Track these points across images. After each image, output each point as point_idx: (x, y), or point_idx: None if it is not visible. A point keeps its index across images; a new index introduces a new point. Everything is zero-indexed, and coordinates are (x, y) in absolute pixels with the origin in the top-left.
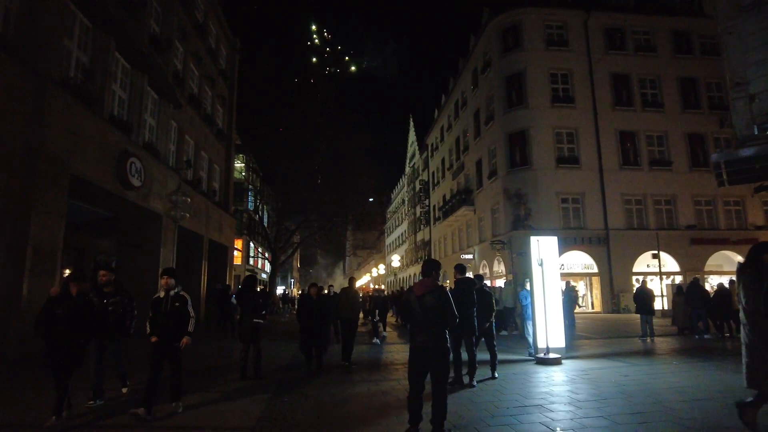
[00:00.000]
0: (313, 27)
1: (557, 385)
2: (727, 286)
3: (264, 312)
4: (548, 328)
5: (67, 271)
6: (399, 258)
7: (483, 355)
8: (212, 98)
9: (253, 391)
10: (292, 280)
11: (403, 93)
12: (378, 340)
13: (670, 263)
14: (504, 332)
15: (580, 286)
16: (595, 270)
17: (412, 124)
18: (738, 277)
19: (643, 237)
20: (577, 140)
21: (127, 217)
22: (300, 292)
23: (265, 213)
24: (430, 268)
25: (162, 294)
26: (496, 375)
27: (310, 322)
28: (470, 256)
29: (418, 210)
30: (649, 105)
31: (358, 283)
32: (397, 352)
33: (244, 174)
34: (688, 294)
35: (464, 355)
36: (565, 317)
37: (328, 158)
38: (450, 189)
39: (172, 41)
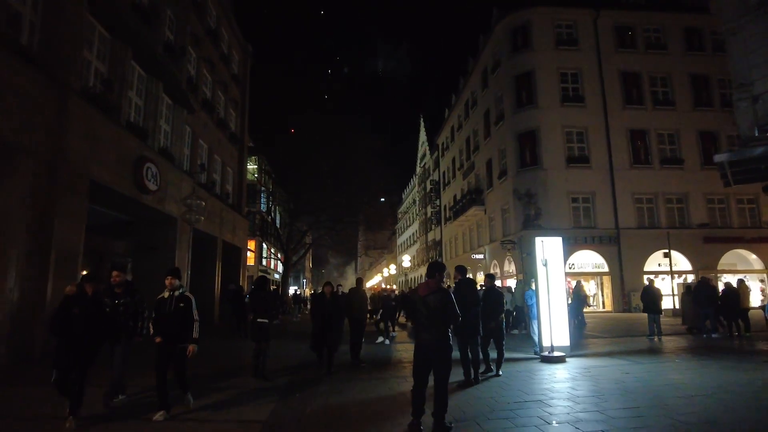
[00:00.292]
0: (324, 30)
1: (558, 382)
2: (735, 285)
3: (274, 312)
4: (553, 327)
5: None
6: (410, 258)
7: (493, 354)
8: (225, 102)
9: (265, 388)
10: (305, 281)
11: (414, 92)
12: (387, 340)
13: (682, 262)
14: (515, 331)
15: (591, 286)
16: (606, 269)
17: (422, 123)
18: None
19: (655, 236)
20: (587, 139)
21: (144, 220)
22: (312, 292)
23: (278, 214)
24: (434, 270)
25: (166, 294)
26: (501, 372)
27: (323, 322)
28: (481, 256)
29: (429, 210)
30: (660, 103)
31: (370, 283)
32: (406, 350)
33: (256, 176)
34: (696, 293)
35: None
36: (574, 316)
37: (338, 159)
38: (461, 189)
39: (186, 48)
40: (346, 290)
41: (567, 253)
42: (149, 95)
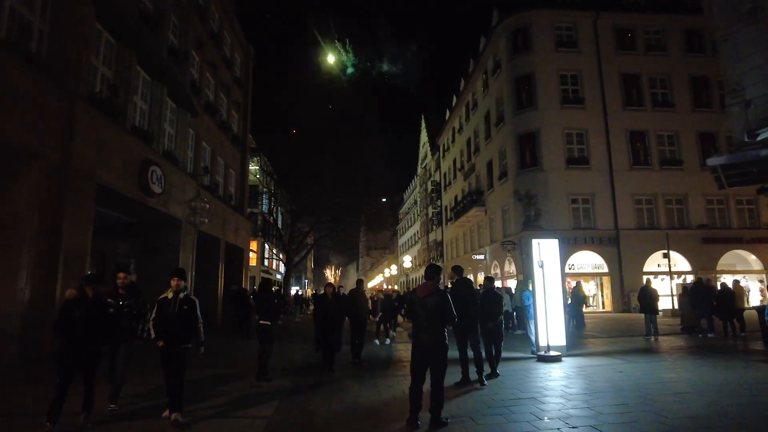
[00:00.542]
0: (325, 29)
1: (553, 381)
2: (731, 285)
3: (277, 314)
4: (549, 327)
5: (86, 275)
6: (411, 259)
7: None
8: (227, 105)
9: (268, 388)
10: (306, 281)
11: (416, 93)
12: (388, 340)
13: (681, 263)
14: (519, 331)
15: (591, 286)
16: (606, 270)
17: (424, 124)
18: None
19: (654, 237)
20: (587, 141)
21: (148, 222)
22: (313, 292)
23: (279, 215)
24: (432, 272)
25: (170, 295)
26: (498, 372)
27: (326, 322)
28: (482, 257)
29: (431, 210)
30: (660, 104)
31: (372, 283)
32: (405, 350)
33: (258, 177)
34: (692, 293)
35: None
36: (573, 316)
37: (339, 160)
38: (461, 190)
39: (189, 52)
40: (347, 291)
41: (567, 254)
42: (154, 99)
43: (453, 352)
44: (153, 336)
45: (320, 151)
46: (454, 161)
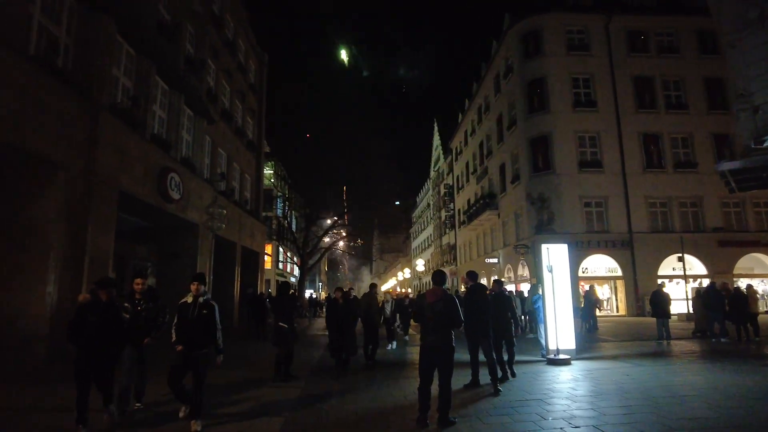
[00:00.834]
0: (339, 33)
1: (560, 383)
2: (744, 289)
3: (293, 317)
4: (558, 330)
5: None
6: (423, 262)
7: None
8: (242, 111)
9: (285, 389)
10: (320, 284)
11: (428, 96)
12: (394, 344)
13: (697, 266)
14: (531, 335)
15: (605, 290)
16: (620, 273)
17: (436, 128)
18: None
19: (669, 240)
20: (599, 144)
21: (167, 228)
22: (327, 295)
23: (294, 219)
24: (439, 278)
25: (190, 299)
26: (515, 373)
27: (338, 326)
28: (495, 260)
29: (443, 214)
30: (673, 107)
31: (385, 287)
32: (416, 353)
33: (273, 181)
34: (705, 298)
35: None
36: (586, 320)
37: (352, 164)
38: (474, 193)
39: (205, 61)
40: (360, 294)
41: (580, 258)
42: (172, 108)
43: (465, 356)
44: (174, 339)
45: (333, 156)
46: (467, 164)
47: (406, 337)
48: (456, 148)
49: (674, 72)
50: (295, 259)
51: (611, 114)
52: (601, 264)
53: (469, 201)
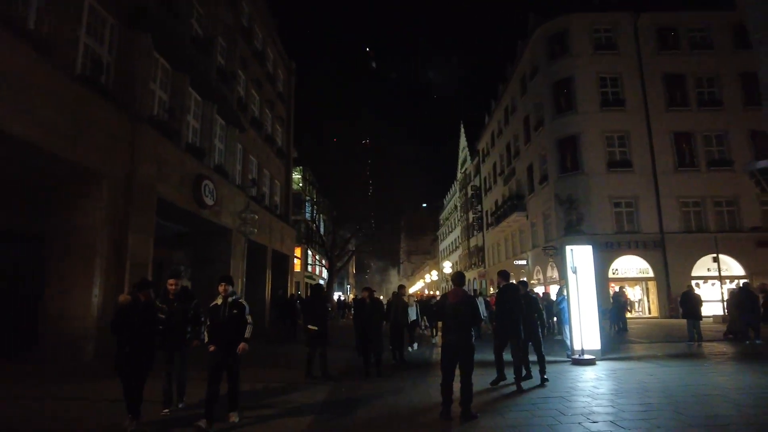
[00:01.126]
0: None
1: (583, 382)
2: None
3: (325, 319)
4: (583, 331)
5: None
6: (451, 264)
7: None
8: (272, 119)
9: (315, 386)
10: (348, 286)
11: (453, 97)
12: (415, 345)
13: (734, 267)
14: (558, 336)
15: (636, 291)
16: (651, 275)
17: (462, 129)
18: None
19: (703, 240)
20: (629, 143)
21: (201, 233)
22: (354, 297)
23: (322, 222)
24: (460, 279)
25: (219, 301)
26: (546, 379)
27: (364, 326)
28: (524, 262)
29: (471, 216)
30: (707, 104)
31: (413, 289)
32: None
33: (301, 185)
34: (738, 299)
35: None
36: (614, 321)
37: (379, 168)
38: (502, 194)
39: (236, 71)
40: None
41: (610, 258)
42: (205, 118)
43: (488, 356)
44: (207, 341)
45: (360, 160)
46: (494, 165)
47: (434, 339)
48: (483, 150)
49: (707, 68)
50: (323, 261)
51: (641, 113)
52: (632, 265)
53: (496, 202)
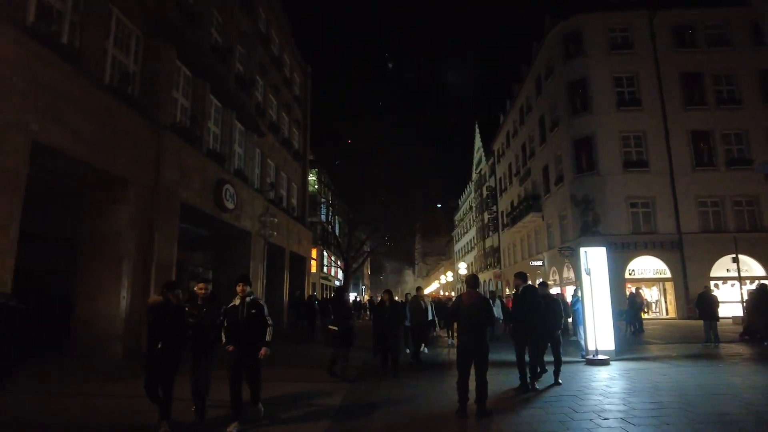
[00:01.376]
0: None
1: (596, 381)
2: None
3: (345, 320)
4: (597, 331)
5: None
6: (466, 265)
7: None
8: (289, 123)
9: (332, 385)
10: (363, 287)
11: (468, 98)
12: (425, 349)
13: (755, 268)
14: (574, 337)
15: (653, 292)
16: (668, 275)
17: (477, 130)
18: None
19: (722, 240)
20: (645, 143)
21: (222, 235)
22: (369, 298)
23: (337, 224)
24: (474, 282)
25: (237, 301)
26: (560, 381)
27: (383, 328)
28: (540, 263)
29: (486, 216)
30: (725, 102)
31: (428, 290)
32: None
33: (316, 187)
34: (756, 300)
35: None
36: (630, 322)
37: (393, 169)
38: (517, 195)
39: (254, 78)
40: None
41: (626, 259)
42: (225, 124)
43: (504, 356)
44: (224, 342)
45: (374, 161)
46: (509, 166)
47: (450, 341)
48: (498, 150)
49: (726, 65)
50: (338, 262)
51: (657, 112)
52: (648, 265)
53: (512, 203)
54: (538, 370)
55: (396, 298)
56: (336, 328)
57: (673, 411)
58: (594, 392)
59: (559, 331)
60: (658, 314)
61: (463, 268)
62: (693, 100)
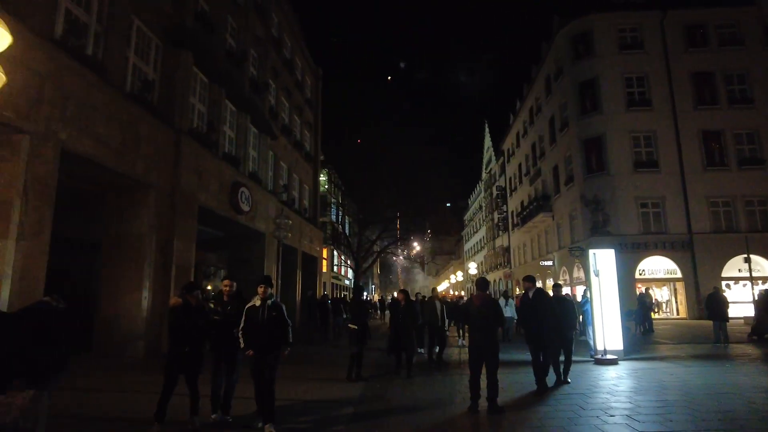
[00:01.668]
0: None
1: (604, 380)
2: None
3: (362, 320)
4: (605, 331)
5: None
6: (476, 265)
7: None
8: (300, 125)
9: (349, 386)
10: (373, 286)
11: (478, 98)
12: (422, 350)
13: (767, 268)
14: (583, 337)
15: (664, 292)
16: (679, 275)
17: (487, 130)
18: None
19: (733, 240)
20: (655, 143)
21: (237, 237)
22: (379, 297)
23: (347, 224)
24: (485, 285)
25: (257, 302)
26: (569, 380)
27: (398, 327)
28: (550, 263)
29: (496, 216)
30: (737, 101)
31: (438, 289)
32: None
33: (327, 187)
34: (765, 300)
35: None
36: (640, 322)
37: (403, 170)
38: (527, 195)
39: (267, 81)
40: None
41: (637, 259)
42: (240, 128)
43: (518, 356)
44: (242, 345)
45: (384, 162)
46: (519, 166)
47: (461, 341)
48: (508, 150)
49: (738, 65)
50: (348, 262)
51: (668, 112)
52: (659, 266)
53: (522, 203)
54: (562, 367)
55: None
56: (356, 327)
57: (677, 408)
58: (601, 391)
59: (573, 332)
60: (668, 314)
61: (473, 268)
62: (704, 99)
